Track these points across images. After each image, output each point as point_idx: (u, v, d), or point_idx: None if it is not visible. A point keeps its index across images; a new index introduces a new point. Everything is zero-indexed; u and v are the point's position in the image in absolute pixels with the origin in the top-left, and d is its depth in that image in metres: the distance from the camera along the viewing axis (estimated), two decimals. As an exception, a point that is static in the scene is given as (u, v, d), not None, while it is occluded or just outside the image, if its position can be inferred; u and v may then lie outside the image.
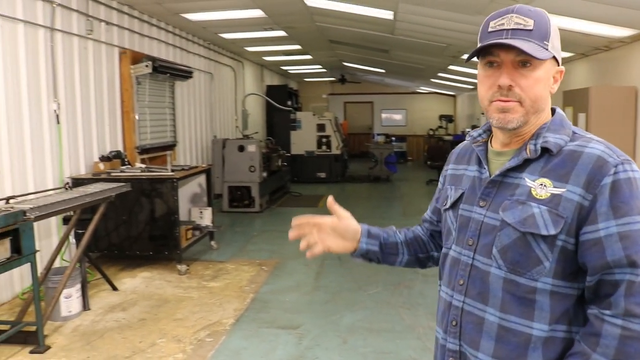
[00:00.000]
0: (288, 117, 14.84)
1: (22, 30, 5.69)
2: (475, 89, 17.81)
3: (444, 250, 1.63)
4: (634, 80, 6.95)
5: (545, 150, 1.40)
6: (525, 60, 1.37)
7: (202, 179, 7.49)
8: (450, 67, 12.78)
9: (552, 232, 1.33)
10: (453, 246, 1.55)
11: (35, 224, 4.28)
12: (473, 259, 1.46)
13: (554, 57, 1.42)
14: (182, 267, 6.29)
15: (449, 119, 21.09)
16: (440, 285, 1.62)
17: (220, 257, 7.08)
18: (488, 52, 1.42)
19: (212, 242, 7.48)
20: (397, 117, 23.55)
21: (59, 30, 6.32)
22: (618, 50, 7.32)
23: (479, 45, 1.43)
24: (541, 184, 1.37)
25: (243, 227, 8.99)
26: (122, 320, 4.91)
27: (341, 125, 17.31)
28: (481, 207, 1.47)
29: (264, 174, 10.56)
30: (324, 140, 14.78)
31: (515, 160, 1.43)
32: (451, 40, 9.35)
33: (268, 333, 4.62)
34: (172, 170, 6.40)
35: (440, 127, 20.93)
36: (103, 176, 6.24)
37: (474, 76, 13.82)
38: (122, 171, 6.52)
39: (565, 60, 9.08)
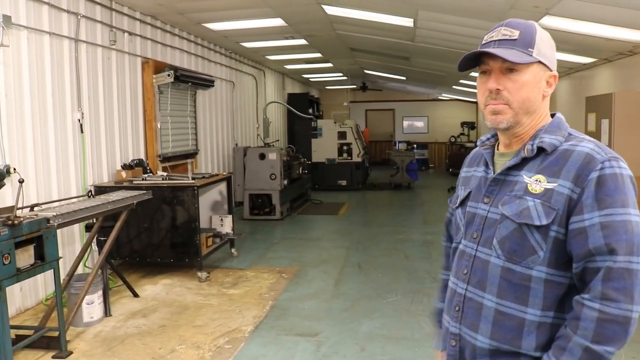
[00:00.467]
0: (309, 125, 14.91)
1: (47, 42, 5.82)
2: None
3: (454, 244, 1.77)
4: (657, 86, 6.87)
5: (541, 150, 1.53)
6: (511, 67, 1.53)
7: (222, 186, 7.56)
8: (472, 73, 12.73)
9: (544, 222, 1.46)
10: (462, 240, 1.69)
11: (58, 231, 4.36)
12: (476, 250, 1.60)
13: (543, 63, 1.56)
14: (203, 275, 6.35)
15: (471, 125, 20.98)
16: (448, 276, 1.77)
17: (240, 264, 7.13)
18: (481, 62, 1.60)
19: (233, 250, 7.53)
20: (419, 124, 23.49)
21: (83, 41, 6.45)
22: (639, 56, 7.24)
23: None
24: (536, 180, 1.50)
25: (263, 235, 9.04)
26: (142, 326, 4.97)
27: (362, 133, 17.32)
28: (485, 203, 1.61)
29: (285, 182, 10.61)
30: (345, 147, 14.80)
31: (514, 159, 1.57)
32: (472, 47, 9.21)
33: (286, 340, 4.64)
34: (193, 178, 6.46)
35: (462, 134, 20.84)
36: (125, 184, 6.33)
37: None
38: (143, 179, 6.60)
39: (588, 66, 9.01)
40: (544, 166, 1.51)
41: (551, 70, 1.59)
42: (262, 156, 10.37)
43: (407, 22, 8.15)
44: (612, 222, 1.40)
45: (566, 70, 9.99)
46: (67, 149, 6.13)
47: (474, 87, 15.84)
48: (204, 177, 6.83)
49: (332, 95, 22.73)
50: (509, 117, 1.55)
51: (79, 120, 6.31)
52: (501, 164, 1.63)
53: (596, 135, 7.28)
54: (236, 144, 12.00)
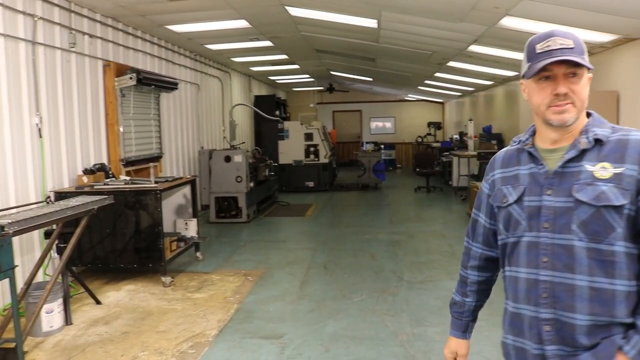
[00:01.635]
0: (276, 127, 14.87)
1: (2, 44, 5.68)
2: (462, 95, 17.93)
3: (512, 239, 1.87)
4: (614, 85, 7.02)
5: (597, 141, 1.73)
6: (574, 72, 1.72)
7: (187, 190, 7.49)
8: (437, 74, 12.86)
9: (623, 202, 1.66)
10: (526, 233, 1.81)
11: (17, 238, 4.26)
12: (553, 238, 1.74)
13: (588, 68, 1.74)
14: (167, 279, 6.27)
15: (437, 126, 21.18)
16: (508, 270, 1.90)
17: (205, 268, 7.07)
18: (542, 69, 1.74)
19: (198, 254, 7.46)
20: (386, 124, 23.63)
21: (40, 43, 6.31)
22: (599, 55, 7.39)
23: (535, 63, 1.75)
24: (602, 167, 1.70)
25: (230, 238, 8.98)
26: (104, 334, 4.88)
27: (329, 134, 17.36)
28: (549, 195, 1.76)
29: (251, 184, 10.57)
30: (311, 149, 14.81)
31: (572, 152, 1.74)
32: (436, 48, 9.41)
33: (251, 343, 4.61)
34: (156, 182, 6.38)
35: (429, 134, 21.01)
36: (86, 189, 6.22)
37: (460, 83, 13.93)
38: (105, 184, 6.49)
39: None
40: (605, 154, 1.71)
41: (590, 74, 1.79)
42: (228, 159, 10.31)
43: (371, 23, 8.19)
44: None
45: (527, 70, 10.14)
46: (24, 154, 6.00)
47: (439, 87, 16.01)
48: (167, 181, 6.75)
49: (299, 97, 22.72)
50: (574, 115, 1.74)
51: (37, 124, 6.18)
52: (553, 159, 1.79)
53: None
54: (202, 147, 11.91)
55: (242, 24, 8.98)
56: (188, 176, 7.46)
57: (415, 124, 22.67)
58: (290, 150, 14.82)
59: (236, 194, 10.30)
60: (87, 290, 5.68)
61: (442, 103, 23.01)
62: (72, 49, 6.96)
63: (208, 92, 12.82)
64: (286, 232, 9.50)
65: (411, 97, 22.51)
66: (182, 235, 7.23)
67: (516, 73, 10.61)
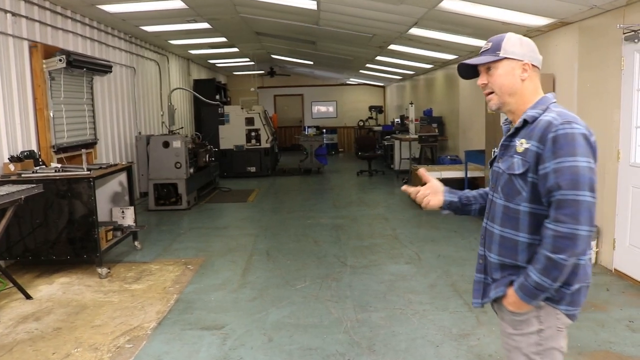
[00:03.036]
0: (216, 112, 14.57)
1: None
2: (403, 79, 18.04)
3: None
4: (550, 68, 7.13)
5: (525, 122, 2.07)
6: (489, 67, 2.15)
7: (122, 177, 7.21)
8: (378, 57, 12.84)
9: (521, 171, 2.04)
10: (488, 190, 2.35)
11: None
12: (492, 196, 2.22)
13: (511, 58, 2.11)
14: (103, 271, 6.03)
15: (379, 109, 21.27)
16: None
17: (144, 257, 6.84)
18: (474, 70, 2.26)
19: (136, 243, 7.21)
20: (328, 109, 23.58)
21: (-42, 23, 5.90)
22: (535, 39, 7.49)
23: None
24: (521, 143, 2.06)
25: (169, 226, 8.74)
26: (34, 331, 4.63)
27: (271, 119, 17.17)
28: (498, 162, 2.20)
29: (191, 170, 10.32)
30: (253, 134, 14.61)
31: (512, 130, 2.15)
32: (377, 31, 9.36)
33: (191, 335, 4.46)
34: (89, 169, 6.10)
35: (371, 117, 21.09)
36: (13, 178, 5.88)
37: (401, 67, 13.97)
38: (34, 172, 6.16)
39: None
40: (525, 132, 2.06)
41: (522, 61, 2.11)
42: (166, 144, 10.02)
43: (311, 4, 8.05)
44: (561, 167, 1.91)
45: (466, 54, 10.23)
46: (-56, 142, 5.61)
47: (380, 71, 16.03)
48: (101, 168, 6.46)
49: (240, 81, 22.37)
50: (496, 101, 2.17)
51: (-43, 109, 5.79)
52: None
53: (496, 116, 7.49)
54: (139, 132, 11.53)
55: (177, 4, 8.68)
56: (124, 163, 7.17)
57: (357, 107, 22.72)
58: (232, 135, 14.58)
59: (175, 181, 10.04)
60: (16, 284, 5.39)
61: (383, 87, 23.12)
62: (-6, 29, 6.55)
63: (145, 75, 12.41)
64: (228, 219, 9.32)
65: (353, 81, 22.51)
66: (118, 224, 6.97)
67: (456, 56, 10.70)
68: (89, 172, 5.96)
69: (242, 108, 14.88)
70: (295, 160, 17.03)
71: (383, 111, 22.11)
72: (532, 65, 2.12)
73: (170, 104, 12.64)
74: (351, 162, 17.97)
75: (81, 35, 9.03)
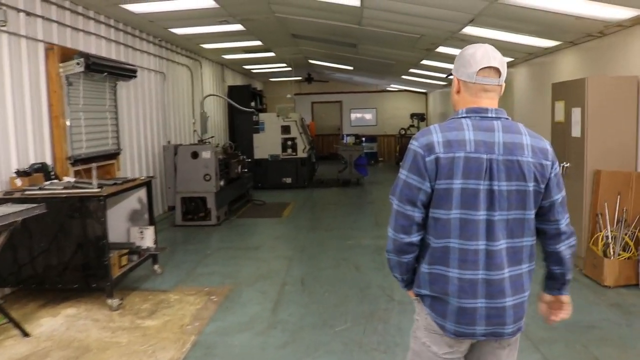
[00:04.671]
0: (250, 120, 13.86)
1: None
2: (447, 85, 17.04)
3: None
4: (633, 70, 6.13)
5: None
6: None
7: (142, 193, 6.47)
8: (424, 61, 11.92)
9: None
10: None
11: None
12: None
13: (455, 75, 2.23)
14: (114, 302, 5.27)
15: (421, 117, 20.32)
16: None
17: (163, 284, 6.07)
18: None
19: (156, 266, 6.46)
20: (367, 116, 22.70)
21: (-42, 20, 5.25)
22: (613, 36, 6.51)
23: None
24: None
25: (196, 244, 7.98)
26: (22, 382, 3.89)
27: (308, 127, 16.38)
28: None
29: (221, 183, 9.56)
30: (289, 143, 13.82)
31: None
32: (425, 30, 8.46)
33: (208, 395, 3.65)
34: (100, 186, 5.36)
35: (412, 126, 20.13)
36: (16, 195, 5.18)
37: (447, 71, 13.00)
38: (41, 188, 5.44)
39: (550, 50, 8.28)
40: None
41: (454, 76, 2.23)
42: (195, 155, 9.29)
43: (354, 0, 7.21)
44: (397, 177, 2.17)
45: (524, 56, 9.25)
46: (-63, 154, 4.95)
47: (423, 76, 15.09)
48: (115, 184, 5.72)
49: (277, 87, 21.69)
50: None
51: (-46, 117, 5.13)
52: None
53: (565, 125, 6.52)
54: (168, 142, 10.86)
55: (208, 3, 7.96)
56: (143, 177, 6.43)
57: (398, 115, 21.78)
58: (266, 144, 13.83)
59: (204, 194, 9.29)
60: (11, 320, 4.66)
61: (425, 93, 22.13)
62: (3, 28, 5.89)
63: (176, 81, 11.75)
64: (260, 237, 8.52)
65: (393, 87, 21.59)
66: (136, 246, 6.22)
67: (512, 59, 9.73)
68: (99, 190, 5.22)
69: (277, 115, 14.12)
70: (333, 170, 16.20)
71: (425, 119, 21.13)
72: (459, 79, 2.17)
73: (203, 111, 11.97)
74: (392, 173, 17.03)
75: (105, 38, 8.38)
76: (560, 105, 6.75)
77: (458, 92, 2.17)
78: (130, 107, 9.30)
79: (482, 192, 2.01)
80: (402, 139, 19.72)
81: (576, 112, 6.26)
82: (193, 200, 9.40)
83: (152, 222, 6.46)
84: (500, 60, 2.14)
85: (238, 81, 17.88)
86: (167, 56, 11.14)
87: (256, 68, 17.50)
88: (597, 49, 7.00)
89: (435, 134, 2.05)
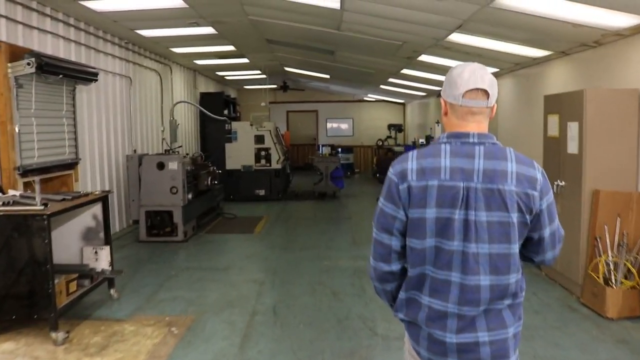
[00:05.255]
0: (223, 128, 13.22)
1: None
2: (427, 95, 16.63)
3: None
4: (631, 82, 5.69)
5: None
6: None
7: (97, 209, 5.81)
8: (404, 70, 11.45)
9: None
10: None
11: None
12: None
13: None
14: (59, 335, 4.60)
15: (399, 128, 19.87)
16: None
17: (119, 312, 5.42)
18: None
19: (112, 291, 5.80)
20: (343, 126, 22.18)
21: None
22: (610, 46, 6.08)
23: None
24: None
25: (160, 264, 7.33)
26: None
27: (283, 137, 15.81)
28: None
29: (189, 196, 8.93)
30: (263, 153, 13.22)
31: None
32: (408, 37, 7.97)
33: None
34: (44, 203, 4.70)
35: (390, 137, 19.67)
36: (-54, 212, 4.51)
37: (429, 81, 12.58)
38: (-24, 204, 4.77)
39: (539, 61, 7.85)
40: None
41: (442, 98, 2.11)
42: (161, 165, 8.64)
43: (333, 2, 6.68)
44: None
45: (511, 66, 8.82)
46: None
47: (403, 86, 14.65)
48: (64, 199, 5.07)
49: (251, 95, 21.07)
50: None
51: None
52: None
53: (560, 141, 6.05)
54: (134, 151, 10.19)
55: (176, 2, 7.37)
56: (97, 192, 5.78)
57: (375, 125, 21.31)
58: (239, 154, 13.21)
59: (171, 208, 8.64)
60: None
61: (403, 104, 21.72)
62: (-61, 23, 5.23)
63: (144, 86, 11.09)
64: (229, 256, 7.88)
65: (371, 97, 21.13)
66: (89, 269, 5.57)
67: (496, 69, 9.30)
68: (42, 208, 4.56)
69: (251, 124, 13.51)
70: (308, 182, 15.65)
71: (403, 130, 20.71)
72: (446, 101, 2.06)
73: (173, 118, 11.35)
74: (369, 185, 16.53)
75: (63, 38, 7.74)
76: (554, 119, 6.29)
77: (446, 114, 2.07)
78: (92, 113, 8.65)
79: (457, 222, 1.90)
80: (379, 150, 19.27)
81: (573, 127, 5.80)
82: (158, 215, 8.74)
83: (108, 241, 5.80)
84: (490, 81, 1.99)
85: (211, 88, 17.25)
86: (134, 59, 10.48)
87: (230, 75, 16.89)
88: (591, 60, 6.57)
89: (411, 162, 1.98)
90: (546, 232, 2.01)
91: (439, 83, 12.65)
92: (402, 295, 2.06)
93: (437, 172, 1.92)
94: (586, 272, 5.58)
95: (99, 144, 8.83)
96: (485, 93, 1.98)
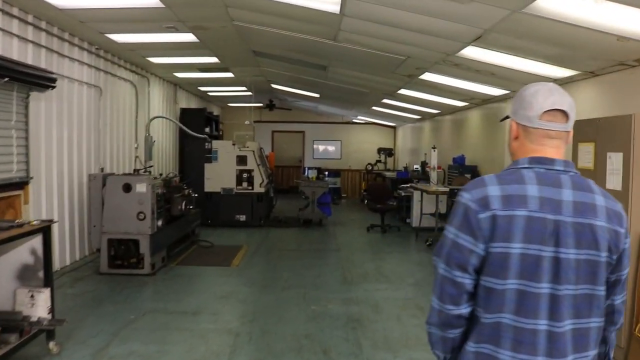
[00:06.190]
0: (203, 147, 12.19)
1: None
2: (421, 119, 15.76)
3: None
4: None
5: None
6: None
7: (36, 242, 4.72)
8: (401, 91, 10.53)
9: None
10: None
11: None
12: None
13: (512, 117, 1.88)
14: (-35, 413, 3.53)
15: (389, 152, 18.96)
16: None
17: (56, 373, 4.33)
18: None
19: (51, 344, 4.68)
20: (331, 148, 21.21)
21: None
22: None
23: None
24: None
25: (118, 304, 6.23)
26: None
27: (267, 158, 14.80)
28: None
29: (159, 223, 7.85)
30: (245, 175, 12.19)
31: None
32: (414, 50, 7.04)
33: None
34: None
35: (379, 161, 18.74)
36: None
37: (424, 103, 11.73)
38: None
39: (562, 82, 6.93)
40: None
41: (511, 118, 1.88)
42: (127, 187, 7.57)
43: (332, 6, 5.73)
44: (442, 236, 1.81)
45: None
46: None
47: (397, 108, 13.78)
48: (-12, 232, 4.00)
49: (236, 113, 20.08)
50: None
51: None
52: None
53: (596, 174, 5.11)
54: (101, 169, 9.12)
55: (149, 1, 6.39)
56: (35, 222, 4.70)
57: (364, 149, 20.36)
58: (219, 176, 12.16)
59: (137, 236, 7.55)
60: None
61: (394, 127, 20.85)
62: None
63: (116, 98, 10.06)
64: (201, 296, 6.76)
65: (360, 119, 20.23)
66: (22, 316, 4.48)
67: (506, 91, 8.41)
68: (-51, 244, 3.50)
69: (234, 144, 12.49)
70: (292, 206, 14.63)
71: (393, 154, 19.80)
72: (517, 123, 1.84)
73: (148, 135, 10.30)
74: (357, 212, 15.54)
75: (18, 37, 6.70)
76: (587, 149, 5.35)
77: (516, 138, 1.85)
78: (52, 126, 7.59)
79: (545, 260, 1.66)
80: (369, 175, 18.34)
81: (615, 158, 4.86)
82: (123, 243, 7.65)
83: (48, 282, 4.71)
84: (570, 103, 1.79)
85: (193, 104, 16.25)
86: (105, 68, 9.45)
87: (213, 90, 15.91)
88: (626, 82, 5.69)
89: (492, 186, 1.73)
90: (625, 273, 1.82)
91: (437, 105, 11.80)
92: (470, 347, 1.76)
93: (524, 201, 1.69)
94: (632, 333, 4.62)
95: (58, 161, 7.75)
96: (565, 115, 1.79)
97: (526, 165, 1.78)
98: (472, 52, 6.39)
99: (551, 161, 1.77)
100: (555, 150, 1.79)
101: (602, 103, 6.23)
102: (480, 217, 1.69)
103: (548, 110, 1.76)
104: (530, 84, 1.83)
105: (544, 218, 1.67)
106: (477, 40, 5.82)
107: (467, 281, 1.73)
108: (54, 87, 6.77)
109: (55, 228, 7.63)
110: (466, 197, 1.75)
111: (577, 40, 5.18)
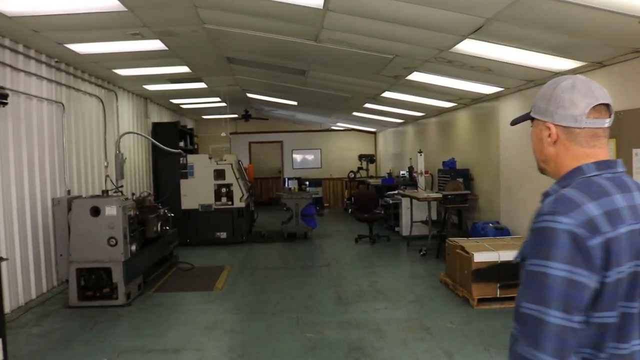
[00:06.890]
0: (177, 163, 11.52)
1: None
2: (404, 123, 15.25)
3: None
4: None
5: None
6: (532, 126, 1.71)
7: (-15, 283, 4.05)
8: (385, 94, 9.98)
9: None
10: None
11: None
12: None
13: (537, 118, 1.64)
14: None
15: (370, 159, 18.44)
16: None
17: None
18: None
19: (7, 401, 4.03)
20: (310, 157, 20.61)
21: None
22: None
23: None
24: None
25: (88, 343, 5.54)
26: None
27: (246, 170, 14.15)
28: None
29: (133, 247, 7.16)
30: (223, 190, 11.54)
31: None
32: (403, 48, 6.48)
33: None
34: None
35: (361, 168, 18.20)
36: None
37: (408, 106, 11.20)
38: None
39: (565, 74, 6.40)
40: None
41: (544, 120, 1.61)
42: (96, 211, 6.88)
43: (315, 0, 5.14)
44: (530, 271, 1.43)
45: (522, 84, 7.43)
46: None
47: (377, 112, 13.24)
48: None
49: (210, 125, 19.40)
50: (540, 166, 1.70)
51: None
52: None
53: (622, 174, 4.56)
54: (68, 192, 8.40)
55: (110, 3, 5.74)
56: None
57: (345, 156, 19.79)
58: (197, 192, 11.49)
59: (109, 264, 6.86)
60: None
61: (374, 133, 20.33)
62: None
63: (81, 115, 9.34)
64: (183, 328, 6.07)
65: (339, 126, 19.68)
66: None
67: (500, 89, 7.92)
68: None
69: (210, 158, 11.83)
70: (274, 219, 14.01)
71: (375, 160, 19.28)
72: (556, 125, 1.58)
73: (119, 152, 9.59)
74: (342, 222, 14.96)
75: (-36, 50, 6.00)
76: (609, 145, 4.82)
77: (555, 142, 1.60)
78: (8, 146, 6.90)
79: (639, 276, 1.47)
80: (351, 183, 17.77)
81: (642, 155, 4.34)
82: (93, 272, 6.95)
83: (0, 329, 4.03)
84: (608, 95, 1.59)
85: (165, 118, 15.54)
86: (67, 82, 8.75)
87: (186, 103, 15.21)
88: (634, 72, 5.20)
89: (588, 204, 1.44)
90: None
91: (423, 108, 11.27)
92: None
93: (619, 215, 1.45)
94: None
95: (17, 185, 7.04)
96: (608, 109, 1.57)
97: (596, 173, 1.55)
98: (468, 47, 5.85)
99: (614, 164, 1.58)
100: (604, 151, 1.59)
101: (611, 96, 5.73)
102: (590, 245, 1.41)
103: (595, 105, 1.54)
104: (553, 79, 1.62)
105: (638, 230, 1.47)
106: (477, 32, 5.27)
107: (581, 326, 1.42)
108: (5, 104, 6.07)
109: (17, 259, 6.96)
110: (567, 222, 1.42)
111: (589, 25, 4.66)
